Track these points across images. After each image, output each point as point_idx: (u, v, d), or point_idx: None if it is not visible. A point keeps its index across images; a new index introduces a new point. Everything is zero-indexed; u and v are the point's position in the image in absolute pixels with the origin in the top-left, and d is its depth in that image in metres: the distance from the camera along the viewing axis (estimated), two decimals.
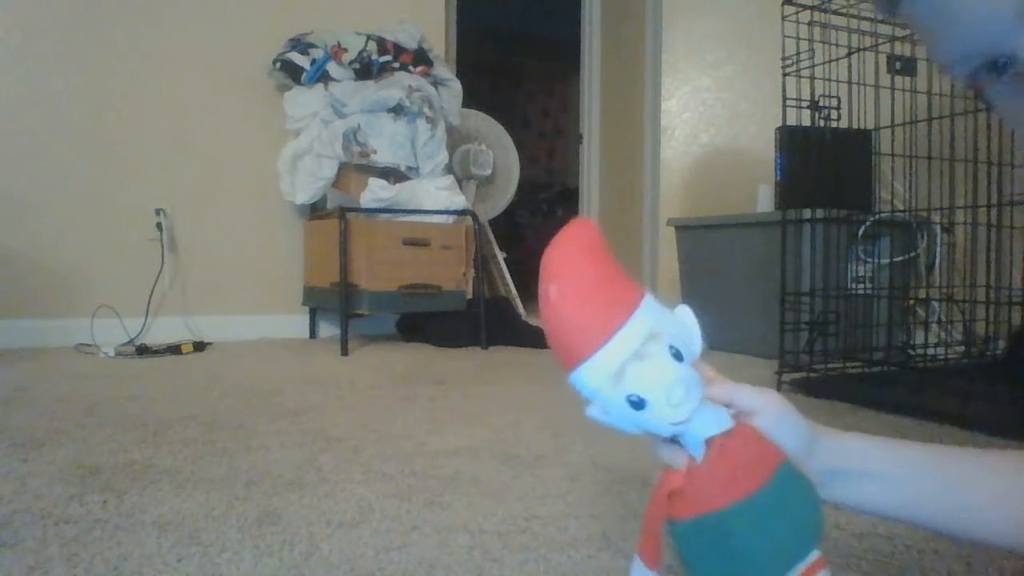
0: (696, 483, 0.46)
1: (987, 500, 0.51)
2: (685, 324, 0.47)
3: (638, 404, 0.44)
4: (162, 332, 2.71)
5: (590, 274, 0.44)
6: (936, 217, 2.28)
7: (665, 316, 0.47)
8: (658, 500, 0.47)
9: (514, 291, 3.62)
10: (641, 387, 0.44)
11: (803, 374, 1.84)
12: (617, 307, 0.44)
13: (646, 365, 0.44)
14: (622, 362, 0.43)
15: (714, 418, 0.46)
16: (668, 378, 0.44)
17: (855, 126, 2.05)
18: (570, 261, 0.44)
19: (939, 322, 2.34)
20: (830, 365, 1.86)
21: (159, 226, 2.74)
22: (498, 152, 3.61)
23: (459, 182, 3.26)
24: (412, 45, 2.90)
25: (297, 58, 2.79)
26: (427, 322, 2.83)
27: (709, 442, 0.46)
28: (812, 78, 1.90)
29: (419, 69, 2.88)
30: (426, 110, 2.77)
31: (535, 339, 2.77)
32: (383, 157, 2.71)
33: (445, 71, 3.01)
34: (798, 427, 0.50)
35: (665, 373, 0.44)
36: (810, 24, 1.88)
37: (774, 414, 0.49)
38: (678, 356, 0.45)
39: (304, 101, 2.77)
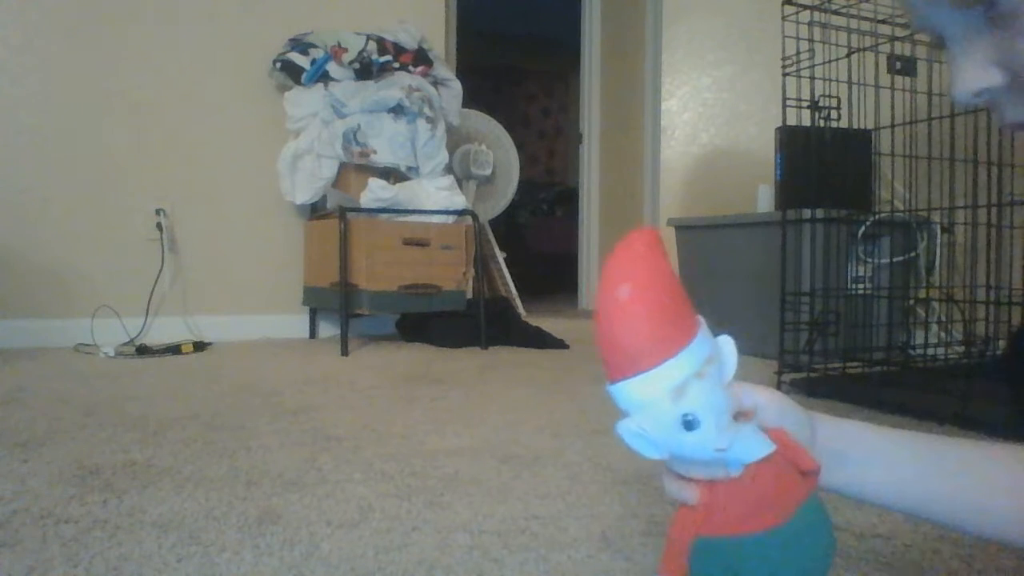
0: (720, 503, 0.46)
1: (984, 488, 0.52)
2: (724, 351, 0.47)
3: (691, 424, 0.43)
4: (162, 332, 2.71)
5: (665, 283, 0.43)
6: (936, 217, 2.28)
7: (713, 340, 0.46)
8: (685, 522, 0.47)
9: (514, 291, 3.63)
10: (699, 407, 0.43)
11: (803, 374, 1.84)
12: (687, 321, 0.43)
13: (705, 385, 0.43)
14: (686, 378, 0.42)
15: (756, 444, 0.45)
16: (720, 403, 0.44)
17: (855, 126, 2.04)
18: (646, 265, 0.42)
19: (939, 322, 2.34)
20: (830, 365, 1.86)
21: (159, 226, 2.74)
22: (498, 152, 3.62)
23: (459, 182, 3.26)
24: (412, 45, 2.90)
25: (297, 58, 2.79)
26: (427, 322, 2.83)
27: (746, 467, 0.45)
28: (812, 78, 1.89)
29: (419, 69, 2.88)
30: (426, 110, 2.77)
31: (535, 339, 2.77)
32: (383, 157, 2.71)
33: (445, 71, 3.01)
34: (799, 420, 0.51)
35: (719, 397, 0.44)
36: (810, 24, 1.87)
37: (776, 410, 0.49)
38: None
39: (304, 101, 2.77)
